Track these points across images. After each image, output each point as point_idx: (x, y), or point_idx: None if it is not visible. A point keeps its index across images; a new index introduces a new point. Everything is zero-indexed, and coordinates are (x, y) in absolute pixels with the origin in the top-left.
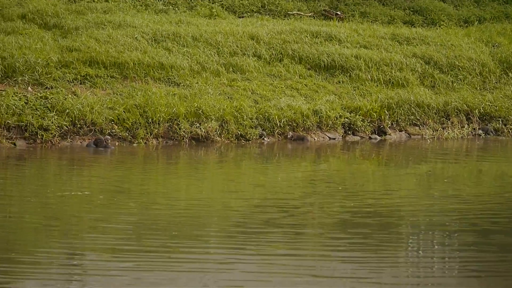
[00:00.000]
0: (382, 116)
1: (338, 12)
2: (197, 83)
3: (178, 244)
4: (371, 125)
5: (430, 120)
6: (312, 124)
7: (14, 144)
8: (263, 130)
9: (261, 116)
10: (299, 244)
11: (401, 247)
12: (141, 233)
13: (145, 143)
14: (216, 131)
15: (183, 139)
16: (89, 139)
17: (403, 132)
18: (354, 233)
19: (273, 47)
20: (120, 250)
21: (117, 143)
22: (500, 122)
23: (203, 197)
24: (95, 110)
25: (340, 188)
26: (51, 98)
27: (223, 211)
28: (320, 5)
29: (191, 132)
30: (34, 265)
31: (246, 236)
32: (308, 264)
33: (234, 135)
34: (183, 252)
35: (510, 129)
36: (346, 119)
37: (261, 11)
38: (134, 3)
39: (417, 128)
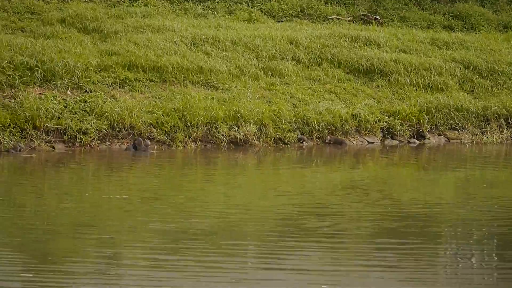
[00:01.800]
0: (421, 120)
1: (377, 17)
2: (236, 86)
3: (215, 253)
4: (410, 129)
5: (469, 125)
6: (351, 128)
7: (53, 147)
8: (301, 134)
9: (299, 120)
10: (337, 253)
11: (443, 254)
12: (179, 241)
13: (184, 146)
14: (254, 134)
15: (221, 142)
16: (127, 143)
17: (442, 136)
18: (392, 240)
19: (312, 51)
20: (157, 258)
21: (155, 147)
22: None
23: (241, 203)
24: (134, 114)
25: (378, 192)
26: (90, 101)
27: (261, 218)
28: (359, 10)
29: (229, 136)
30: (69, 274)
31: (284, 244)
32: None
33: (272, 139)
34: (220, 261)
35: None
36: (385, 123)
37: (300, 15)
38: (174, 7)
39: (456, 132)
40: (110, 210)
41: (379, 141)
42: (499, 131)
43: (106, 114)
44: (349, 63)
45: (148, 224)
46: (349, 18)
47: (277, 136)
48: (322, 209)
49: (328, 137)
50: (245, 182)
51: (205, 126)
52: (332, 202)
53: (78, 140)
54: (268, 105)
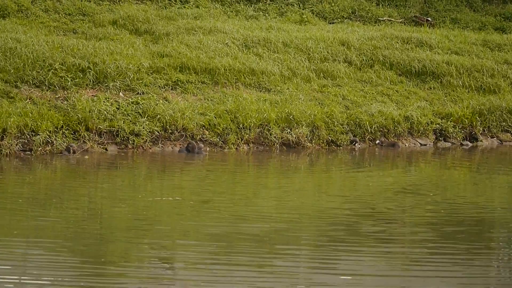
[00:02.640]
0: (474, 123)
1: (429, 18)
2: (288, 88)
3: (268, 257)
4: (462, 131)
5: None
6: (403, 130)
7: (106, 149)
8: (354, 136)
9: (352, 122)
10: (391, 258)
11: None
12: (231, 244)
13: (236, 148)
14: (306, 136)
15: (274, 144)
16: (180, 145)
17: (495, 138)
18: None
19: (363, 53)
20: (209, 262)
21: (208, 149)
22: None
23: (293, 206)
24: (186, 116)
25: (432, 196)
26: (142, 103)
27: (314, 222)
28: (410, 11)
29: (282, 138)
30: (122, 277)
31: (337, 249)
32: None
33: (324, 141)
34: (273, 266)
35: None
36: (438, 125)
37: (351, 17)
38: (225, 9)
39: (508, 134)
40: (162, 212)
41: (432, 143)
42: None
43: (158, 116)
44: (401, 65)
45: (201, 227)
46: (400, 20)
47: (329, 138)
48: (375, 213)
49: (381, 139)
50: (297, 185)
51: (257, 128)
52: (385, 206)
53: (130, 142)
54: (320, 107)
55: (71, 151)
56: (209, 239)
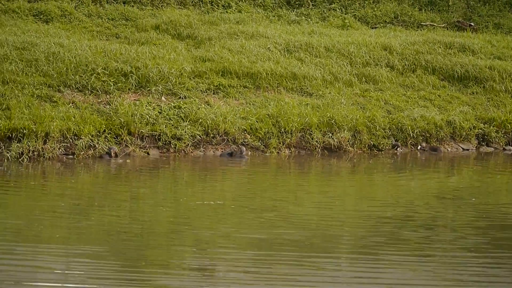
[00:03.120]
0: None
1: (472, 23)
2: (330, 93)
3: (308, 265)
4: (505, 136)
5: None
6: (446, 134)
7: (148, 153)
8: (396, 140)
9: (393, 126)
10: (433, 265)
11: None
12: (272, 251)
13: (278, 152)
14: (348, 141)
15: (315, 149)
16: (221, 149)
17: None
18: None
19: (406, 57)
20: (250, 269)
21: (249, 153)
22: None
23: (334, 212)
24: (228, 120)
25: (474, 199)
26: (184, 107)
27: (355, 228)
28: (453, 16)
29: (323, 142)
30: (163, 282)
31: (378, 256)
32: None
33: (366, 145)
34: (313, 274)
35: None
36: (480, 130)
37: (394, 22)
38: (267, 14)
39: None
40: (204, 217)
41: (474, 148)
42: None
43: (200, 120)
44: (444, 69)
45: (242, 232)
46: (443, 25)
47: (371, 142)
48: (417, 219)
49: (423, 143)
50: (339, 190)
51: (299, 132)
52: (427, 211)
53: (172, 146)
54: (362, 111)
55: (113, 155)
56: (250, 245)
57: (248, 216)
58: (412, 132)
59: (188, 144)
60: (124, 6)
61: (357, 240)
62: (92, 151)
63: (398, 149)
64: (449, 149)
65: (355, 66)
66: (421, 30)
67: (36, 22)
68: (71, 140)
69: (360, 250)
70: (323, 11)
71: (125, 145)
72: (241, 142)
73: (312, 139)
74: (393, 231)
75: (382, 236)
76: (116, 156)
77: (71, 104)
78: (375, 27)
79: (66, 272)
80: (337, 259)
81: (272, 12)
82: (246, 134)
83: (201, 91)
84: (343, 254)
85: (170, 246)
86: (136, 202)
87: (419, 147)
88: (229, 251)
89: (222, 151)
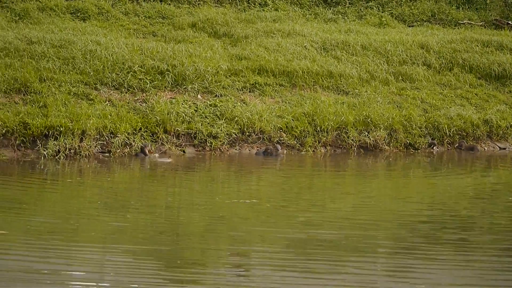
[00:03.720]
0: None
1: (510, 22)
2: (366, 91)
3: (344, 266)
4: None
5: None
6: (482, 133)
7: (184, 151)
8: (432, 139)
9: (430, 125)
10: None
11: None
12: (307, 251)
13: (313, 151)
14: (384, 139)
15: (351, 147)
16: (257, 147)
17: None
18: None
19: (443, 56)
20: (285, 269)
21: (285, 151)
22: None
23: (370, 212)
24: (264, 118)
25: (511, 199)
26: (220, 106)
27: (391, 229)
28: (491, 15)
29: (359, 141)
30: (198, 282)
31: (415, 257)
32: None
33: (402, 144)
34: (349, 273)
35: None
36: None
37: (431, 20)
38: (304, 12)
39: None
40: (239, 216)
41: (511, 147)
42: None
43: (236, 118)
44: (481, 68)
45: (277, 232)
46: (480, 23)
47: (407, 141)
48: (455, 220)
49: (460, 142)
50: (375, 190)
51: (335, 131)
52: (465, 212)
53: (208, 144)
54: (399, 110)
55: (147, 152)
56: (285, 244)
57: (283, 215)
58: (449, 131)
59: (223, 142)
60: (161, 4)
61: (394, 241)
62: (128, 149)
63: (434, 147)
64: (485, 148)
65: (392, 65)
66: (458, 28)
67: (73, 20)
68: (107, 138)
69: (397, 251)
70: (360, 9)
71: (161, 143)
72: (277, 140)
73: (348, 137)
74: (430, 232)
75: (420, 237)
76: (150, 153)
77: (107, 102)
78: (412, 25)
79: (102, 271)
80: (374, 260)
81: (308, 10)
82: (281, 132)
83: (237, 89)
84: (380, 255)
85: (205, 245)
86: (172, 201)
87: (456, 145)
88: (264, 251)
89: (257, 150)
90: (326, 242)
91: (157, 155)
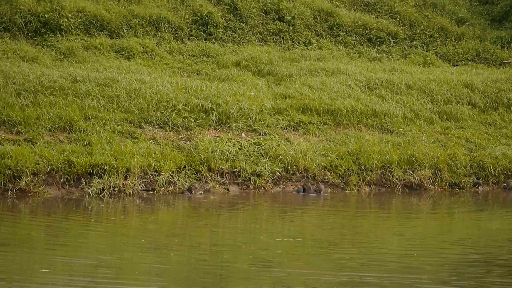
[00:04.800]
0: None
1: None
2: (411, 130)
3: None
4: None
5: None
6: None
7: (228, 189)
8: (477, 178)
9: (475, 164)
10: None
11: None
12: (352, 286)
13: (358, 190)
14: (429, 179)
15: (395, 186)
16: (301, 185)
17: None
18: None
19: (487, 95)
20: None
21: (329, 190)
22: None
23: (415, 253)
24: (308, 157)
25: None
26: (264, 144)
27: (436, 271)
28: None
29: (404, 180)
30: None
31: None
32: None
33: (447, 183)
34: None
35: None
36: None
37: (475, 59)
38: (348, 51)
39: None
40: (283, 255)
41: None
42: None
43: (280, 156)
44: None
45: (320, 273)
46: None
47: (452, 180)
48: (501, 262)
49: (506, 182)
50: (419, 230)
51: (379, 170)
52: (508, 256)
53: (252, 182)
54: (443, 149)
55: (194, 191)
56: (329, 287)
57: (326, 255)
58: (494, 170)
59: (268, 180)
60: (205, 42)
61: (439, 285)
62: (172, 187)
63: (479, 187)
64: None
65: (436, 104)
66: (503, 67)
67: (118, 59)
68: (151, 176)
69: None
70: (404, 48)
71: (205, 181)
72: (321, 179)
73: (392, 176)
74: (476, 276)
75: (465, 280)
76: (196, 192)
77: (151, 140)
78: (457, 65)
79: None
80: None
81: (353, 49)
82: (326, 171)
83: (281, 127)
84: None
85: (249, 283)
86: (216, 239)
87: (504, 185)
88: None
89: (298, 188)
90: (369, 286)
91: (201, 193)
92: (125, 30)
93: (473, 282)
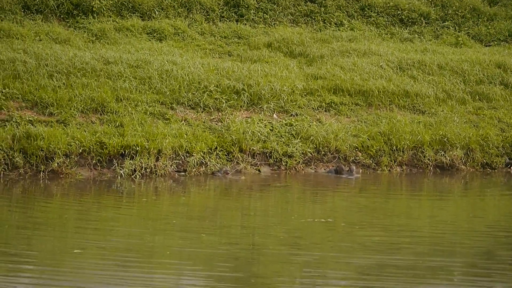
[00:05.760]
0: None
1: None
2: (443, 111)
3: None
4: None
5: None
6: None
7: (259, 170)
8: (509, 159)
9: (507, 144)
10: None
11: None
12: (381, 276)
13: (389, 170)
14: (461, 159)
15: (427, 167)
16: (332, 166)
17: None
18: None
19: None
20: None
21: (361, 170)
22: None
23: (446, 235)
24: (339, 137)
25: None
26: (295, 125)
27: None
28: None
29: (435, 160)
30: None
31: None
32: None
33: (479, 164)
34: None
35: None
36: None
37: (508, 39)
38: (380, 31)
39: None
40: (314, 235)
41: None
42: None
43: (311, 137)
44: None
45: (351, 254)
46: None
47: (484, 161)
48: None
49: None
50: (451, 212)
51: (411, 150)
52: None
53: (283, 163)
54: (475, 129)
55: (225, 172)
56: (359, 270)
57: (357, 236)
58: None
59: (299, 161)
60: (237, 24)
61: (470, 268)
62: (203, 168)
63: (511, 167)
64: None
65: (469, 84)
66: None
67: (150, 40)
68: (183, 157)
69: (473, 277)
70: (436, 28)
71: (237, 162)
72: (352, 159)
73: (424, 157)
74: (508, 260)
75: (496, 263)
76: (227, 173)
77: (183, 122)
78: (489, 45)
79: None
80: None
81: (384, 30)
82: (357, 151)
83: (313, 108)
84: (455, 283)
85: (280, 266)
86: (247, 220)
87: None
88: (337, 276)
89: (330, 169)
90: (399, 268)
91: (232, 174)
92: (156, 12)
93: (505, 265)
